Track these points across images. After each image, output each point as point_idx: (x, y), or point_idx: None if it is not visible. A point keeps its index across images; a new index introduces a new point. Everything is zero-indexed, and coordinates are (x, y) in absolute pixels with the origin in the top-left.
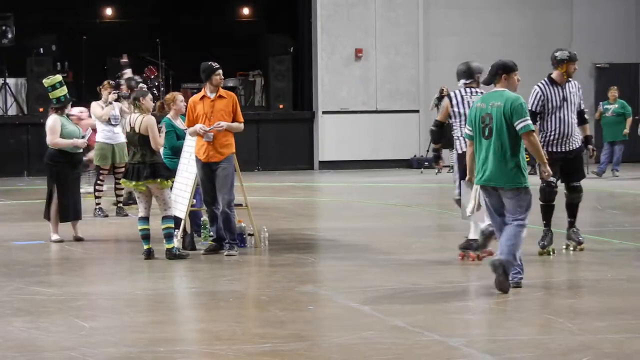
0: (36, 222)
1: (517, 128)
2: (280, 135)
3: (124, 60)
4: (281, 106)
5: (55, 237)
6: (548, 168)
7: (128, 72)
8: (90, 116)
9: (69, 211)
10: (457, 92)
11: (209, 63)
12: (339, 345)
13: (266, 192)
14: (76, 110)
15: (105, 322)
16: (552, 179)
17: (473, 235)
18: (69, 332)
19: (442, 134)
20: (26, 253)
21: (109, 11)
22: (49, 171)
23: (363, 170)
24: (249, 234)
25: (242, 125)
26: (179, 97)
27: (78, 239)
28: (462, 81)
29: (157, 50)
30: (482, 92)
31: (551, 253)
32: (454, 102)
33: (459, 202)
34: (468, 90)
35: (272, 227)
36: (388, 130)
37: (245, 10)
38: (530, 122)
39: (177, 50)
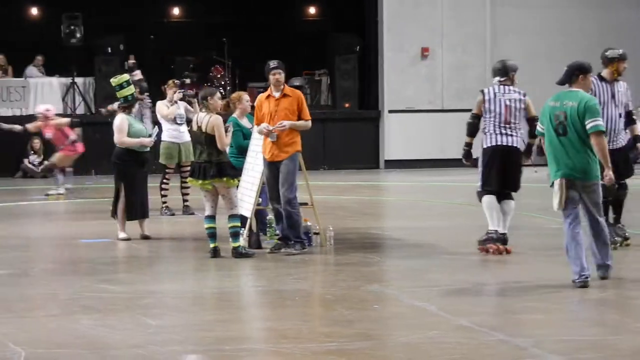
0: (103, 221)
1: (588, 127)
2: (346, 134)
3: (132, 62)
4: (347, 105)
5: (122, 235)
6: (611, 173)
7: (138, 74)
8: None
9: (136, 209)
10: (490, 89)
11: (268, 62)
12: (405, 344)
13: (332, 191)
14: (42, 108)
15: (172, 320)
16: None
17: (496, 227)
18: (136, 330)
19: (477, 128)
20: (93, 251)
21: (176, 10)
22: (116, 170)
23: (429, 169)
24: (315, 233)
25: (308, 123)
26: (245, 96)
27: (145, 237)
28: (497, 78)
29: (223, 50)
30: (516, 91)
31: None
32: (487, 97)
33: (480, 194)
34: (502, 87)
35: (337, 226)
36: (454, 129)
37: (312, 9)
38: (601, 122)
39: (244, 49)
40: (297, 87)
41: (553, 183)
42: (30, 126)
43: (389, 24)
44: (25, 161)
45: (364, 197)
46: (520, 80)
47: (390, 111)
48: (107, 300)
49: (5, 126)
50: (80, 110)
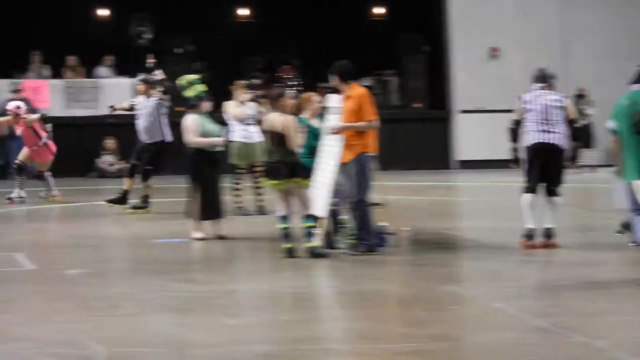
0: (178, 220)
1: None
2: (416, 135)
3: (151, 61)
4: (417, 105)
5: (197, 235)
6: None
7: (159, 74)
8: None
9: (211, 209)
10: (529, 94)
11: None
12: (483, 345)
13: (404, 192)
14: (12, 105)
15: (249, 320)
16: None
17: (532, 224)
18: (214, 329)
19: (518, 133)
20: (169, 251)
21: (245, 11)
22: (190, 170)
23: (501, 169)
24: (389, 233)
25: (370, 124)
26: (315, 97)
27: (220, 237)
28: (538, 85)
29: (292, 50)
30: (556, 94)
31: None
32: (526, 99)
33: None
34: (541, 92)
35: (412, 226)
36: None
37: (380, 10)
38: None
39: (313, 49)
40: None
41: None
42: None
43: (458, 23)
44: (99, 161)
45: (436, 197)
46: (588, 80)
47: (460, 111)
48: (184, 300)
49: None
50: None
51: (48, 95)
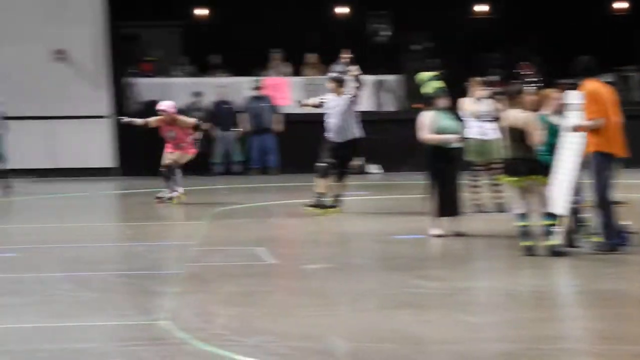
0: (416, 217)
1: None
2: None
3: (346, 56)
4: None
5: (435, 231)
6: None
7: (355, 70)
8: None
9: (448, 206)
10: None
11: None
12: None
13: None
14: (166, 105)
15: (487, 317)
16: None
17: None
18: (453, 326)
19: None
20: (407, 247)
21: (483, 7)
22: (427, 167)
23: None
24: (632, 232)
25: (594, 123)
26: (555, 93)
27: (458, 234)
28: None
29: (531, 46)
30: None
31: None
32: None
33: None
34: None
35: None
36: None
37: (622, 4)
38: None
39: (551, 46)
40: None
41: None
42: (151, 120)
43: None
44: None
45: None
46: None
47: None
48: (423, 296)
49: (126, 119)
50: (389, 107)
51: (288, 92)
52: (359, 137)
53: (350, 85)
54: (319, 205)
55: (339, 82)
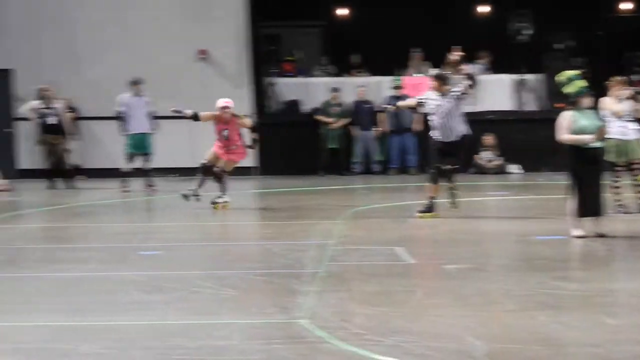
0: (557, 218)
1: None
2: None
3: (457, 54)
4: None
5: (576, 232)
6: None
7: (467, 68)
8: None
9: (589, 207)
10: None
11: None
12: None
13: None
14: (223, 102)
15: (630, 320)
16: None
17: None
18: (593, 328)
19: None
20: (547, 248)
21: (627, 5)
22: (569, 167)
23: None
24: None
25: None
26: None
27: (600, 235)
28: None
29: None
30: None
31: None
32: None
33: None
34: None
35: None
36: None
37: None
38: None
39: None
40: None
41: None
42: (203, 114)
43: None
44: (477, 157)
45: None
46: None
47: None
48: (562, 298)
49: (175, 108)
50: (531, 106)
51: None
52: (466, 135)
53: (460, 84)
54: (429, 211)
55: (443, 80)
